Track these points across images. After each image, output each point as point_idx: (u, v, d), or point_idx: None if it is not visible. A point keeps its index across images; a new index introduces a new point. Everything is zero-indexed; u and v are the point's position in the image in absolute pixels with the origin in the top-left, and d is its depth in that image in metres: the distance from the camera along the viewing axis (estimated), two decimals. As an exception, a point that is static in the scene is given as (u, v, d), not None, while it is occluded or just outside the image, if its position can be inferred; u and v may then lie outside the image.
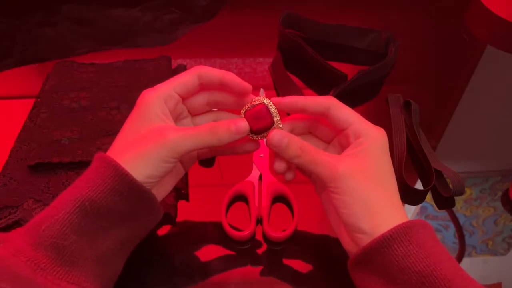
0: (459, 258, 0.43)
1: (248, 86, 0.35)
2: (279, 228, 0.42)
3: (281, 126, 0.35)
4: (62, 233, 0.29)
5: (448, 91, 0.61)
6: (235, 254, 0.40)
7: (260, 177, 0.46)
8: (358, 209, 0.31)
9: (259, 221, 0.42)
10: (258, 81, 0.60)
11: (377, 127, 0.34)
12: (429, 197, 0.46)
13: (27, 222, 0.30)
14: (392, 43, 0.60)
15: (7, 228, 0.41)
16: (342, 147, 0.35)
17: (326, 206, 0.37)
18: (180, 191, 0.45)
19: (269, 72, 0.60)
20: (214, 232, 0.42)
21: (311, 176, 0.38)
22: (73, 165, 0.45)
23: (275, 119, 0.35)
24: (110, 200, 0.30)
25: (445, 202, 0.46)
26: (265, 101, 0.35)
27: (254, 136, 0.35)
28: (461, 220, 0.46)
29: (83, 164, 0.45)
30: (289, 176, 0.37)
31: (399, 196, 0.34)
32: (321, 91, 0.57)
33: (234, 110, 0.38)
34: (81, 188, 0.30)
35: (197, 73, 0.35)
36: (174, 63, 0.58)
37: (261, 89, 0.54)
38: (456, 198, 0.46)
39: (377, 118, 0.53)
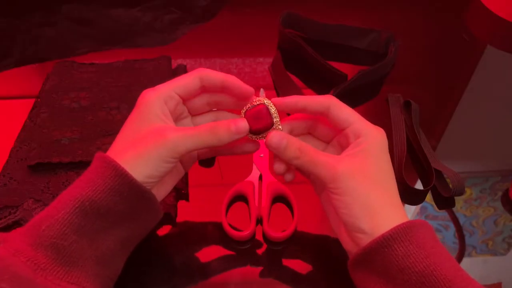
0: (459, 258, 0.43)
1: (249, 89, 0.35)
2: (279, 228, 0.42)
3: (280, 127, 0.35)
4: (62, 233, 0.29)
5: (448, 91, 0.61)
6: (235, 254, 0.40)
7: (260, 177, 0.46)
8: (358, 209, 0.31)
9: (259, 221, 0.42)
10: (258, 81, 0.60)
11: (376, 127, 0.34)
12: (429, 197, 0.46)
13: (27, 222, 0.30)
14: (392, 43, 0.60)
15: (7, 228, 0.41)
16: (342, 147, 0.35)
17: (325, 207, 0.37)
18: (180, 191, 0.45)
19: (269, 72, 0.60)
20: (214, 232, 0.42)
21: (310, 176, 0.38)
22: (73, 165, 0.45)
23: (274, 120, 0.35)
24: (110, 200, 0.30)
25: (445, 202, 0.46)
26: (265, 101, 0.35)
27: (253, 136, 0.36)
28: (461, 220, 0.46)
29: (83, 164, 0.45)
30: (289, 177, 0.37)
31: (399, 196, 0.34)
32: (321, 91, 0.57)
33: (234, 110, 0.38)
34: (81, 188, 0.30)
35: (198, 75, 0.35)
36: (174, 63, 0.58)
37: (261, 89, 0.54)
38: (456, 198, 0.46)
39: (377, 118, 0.53)
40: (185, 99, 0.36)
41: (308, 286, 0.39)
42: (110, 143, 0.34)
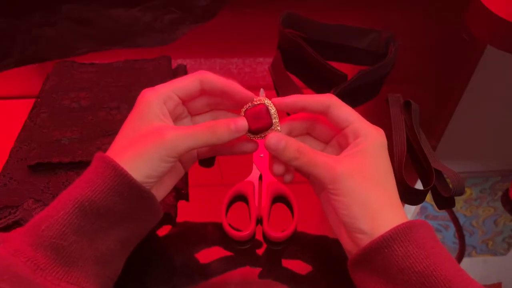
0: (459, 258, 0.43)
1: (249, 94, 0.35)
2: (279, 228, 0.42)
3: (279, 128, 0.35)
4: (61, 233, 0.29)
5: (448, 91, 0.61)
6: (235, 254, 0.40)
7: (260, 177, 0.46)
8: (357, 210, 0.31)
9: (259, 221, 0.42)
10: (258, 81, 0.60)
11: (376, 127, 0.34)
12: (429, 197, 0.46)
13: (27, 222, 0.30)
14: (392, 43, 0.60)
15: (7, 228, 0.41)
16: (341, 147, 0.35)
17: (325, 207, 0.37)
18: (180, 191, 0.45)
19: (269, 72, 0.60)
20: (214, 232, 0.42)
21: (309, 177, 0.38)
22: (73, 165, 0.45)
23: (274, 120, 0.35)
24: (110, 200, 0.30)
25: (445, 202, 0.46)
26: (266, 101, 0.35)
27: (252, 136, 0.35)
28: (461, 220, 0.46)
29: (83, 164, 0.45)
30: (288, 178, 0.37)
31: (398, 197, 0.33)
32: (321, 91, 0.56)
33: (234, 110, 0.38)
34: (80, 188, 0.30)
35: (199, 78, 0.35)
36: (174, 63, 0.58)
37: (261, 89, 0.54)
38: (456, 198, 0.46)
39: (377, 118, 0.53)
40: (184, 101, 0.36)
41: (308, 286, 0.39)
42: (110, 143, 0.34)
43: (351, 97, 0.55)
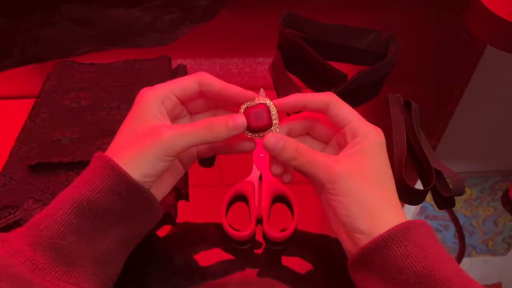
0: (459, 258, 0.43)
1: (249, 96, 0.35)
2: (279, 228, 0.42)
3: (277, 130, 0.35)
4: (60, 233, 0.29)
5: (448, 91, 0.61)
6: (235, 254, 0.40)
7: (260, 177, 0.46)
8: (356, 210, 0.31)
9: (259, 221, 0.42)
10: (258, 81, 0.60)
11: (374, 126, 0.34)
12: (429, 197, 0.46)
13: (27, 222, 0.30)
14: (392, 43, 0.60)
15: (7, 228, 0.41)
16: (340, 147, 0.35)
17: (326, 207, 0.37)
18: (180, 191, 0.45)
19: (269, 72, 0.60)
20: (214, 232, 0.42)
21: (309, 177, 0.38)
22: (73, 165, 0.45)
23: (274, 122, 0.35)
24: (108, 200, 0.30)
25: (445, 202, 0.46)
26: (267, 102, 0.35)
27: (250, 134, 0.35)
28: (461, 220, 0.46)
29: (83, 164, 0.45)
30: (287, 178, 0.37)
31: (397, 197, 0.33)
32: (321, 91, 0.56)
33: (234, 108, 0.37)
34: (79, 188, 0.30)
35: (197, 79, 0.35)
36: (174, 63, 0.58)
37: (261, 89, 0.53)
38: (456, 198, 0.46)
39: (377, 118, 0.53)
40: (182, 101, 0.36)
41: (308, 286, 0.39)
42: (110, 143, 0.34)
43: (351, 97, 0.55)
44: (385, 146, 0.34)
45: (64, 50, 0.62)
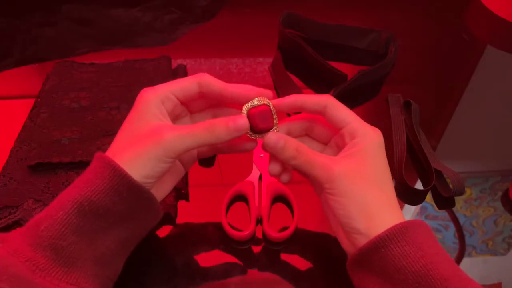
0: (459, 258, 0.43)
1: (251, 95, 0.35)
2: (279, 228, 0.42)
3: (278, 130, 0.35)
4: (60, 234, 0.29)
5: (448, 91, 0.61)
6: (235, 254, 0.40)
7: (260, 177, 0.46)
8: (354, 210, 0.32)
9: (259, 221, 0.42)
10: (258, 81, 0.60)
11: (373, 127, 0.34)
12: (429, 197, 0.46)
13: (27, 222, 0.30)
14: (392, 43, 0.60)
15: (7, 228, 0.41)
16: (339, 148, 0.35)
17: (325, 207, 0.37)
18: (180, 191, 0.45)
19: (269, 72, 0.60)
20: (214, 232, 0.42)
21: (308, 177, 0.38)
22: (73, 165, 0.45)
23: (274, 121, 0.35)
24: (109, 200, 0.30)
25: (445, 202, 0.46)
26: (266, 102, 0.35)
27: (253, 135, 0.35)
28: (461, 220, 0.46)
29: (83, 164, 0.45)
30: (285, 178, 0.37)
31: (395, 197, 0.33)
32: (321, 91, 0.56)
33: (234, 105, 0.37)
34: (79, 189, 0.30)
35: (197, 80, 0.34)
36: (174, 63, 0.58)
37: (261, 89, 0.53)
38: (456, 198, 0.46)
39: (377, 118, 0.53)
40: (182, 102, 0.36)
41: (308, 286, 0.39)
42: (110, 143, 0.34)
43: (351, 97, 0.55)
44: (383, 147, 0.34)
45: (64, 50, 0.62)
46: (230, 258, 0.40)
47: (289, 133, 0.37)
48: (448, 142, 0.53)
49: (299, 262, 0.40)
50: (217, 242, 0.41)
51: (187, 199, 0.45)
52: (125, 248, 0.33)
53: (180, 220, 0.43)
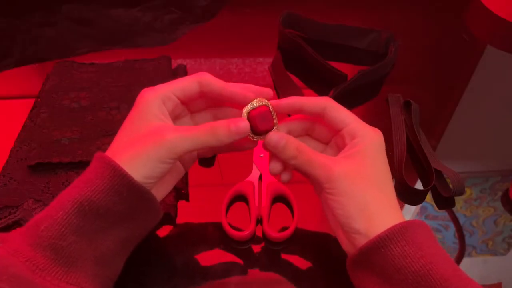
0: (459, 258, 0.43)
1: (249, 98, 0.35)
2: (279, 228, 0.42)
3: (278, 129, 0.35)
4: (61, 234, 0.29)
5: (448, 91, 0.61)
6: (235, 254, 0.40)
7: (260, 177, 0.46)
8: (353, 210, 0.32)
9: (259, 221, 0.42)
10: (258, 81, 0.60)
11: (373, 128, 0.34)
12: (429, 197, 0.46)
13: (27, 222, 0.30)
14: (392, 43, 0.60)
15: (7, 228, 0.41)
16: (339, 148, 0.35)
17: (325, 207, 0.37)
18: (180, 191, 0.45)
19: (269, 72, 0.60)
20: (214, 232, 0.42)
21: (309, 177, 0.38)
22: (73, 165, 0.45)
23: (274, 121, 0.35)
24: (109, 200, 0.30)
25: (445, 202, 0.46)
26: (265, 102, 0.35)
27: (255, 137, 0.35)
28: (461, 220, 0.46)
29: (83, 164, 0.45)
30: (285, 177, 0.37)
31: (395, 198, 0.33)
32: (321, 91, 0.57)
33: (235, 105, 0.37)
34: (79, 188, 0.30)
35: (198, 80, 0.34)
36: (174, 63, 0.58)
37: (261, 89, 0.53)
38: (456, 198, 0.46)
39: (377, 118, 0.53)
40: (183, 101, 0.36)
41: (308, 286, 0.39)
42: (110, 143, 0.34)
43: (351, 97, 0.55)
44: (384, 147, 0.34)
45: (64, 50, 0.62)
46: (230, 258, 0.40)
47: (289, 133, 0.37)
48: (448, 142, 0.53)
49: (299, 262, 0.40)
50: (217, 242, 0.41)
51: (187, 199, 0.45)
52: (125, 248, 0.33)
53: (180, 220, 0.43)
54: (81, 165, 0.45)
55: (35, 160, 0.45)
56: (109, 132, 0.48)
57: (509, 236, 0.45)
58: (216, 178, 0.48)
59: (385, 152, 0.34)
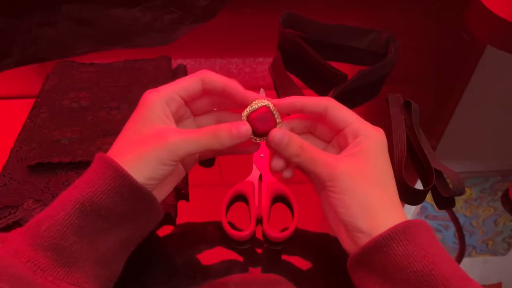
0: (459, 258, 0.43)
1: (250, 96, 0.35)
2: (279, 228, 0.42)
3: (282, 126, 0.35)
4: (62, 234, 0.29)
5: (448, 91, 0.61)
6: (235, 254, 0.40)
7: (260, 177, 0.46)
8: (356, 209, 0.32)
9: (259, 221, 0.42)
10: (258, 81, 0.60)
11: (375, 127, 0.34)
12: (429, 197, 0.46)
13: (27, 222, 0.30)
14: (392, 43, 0.60)
15: (7, 228, 0.41)
16: (341, 147, 0.35)
17: (325, 206, 0.37)
18: (180, 191, 0.45)
19: (269, 72, 0.60)
20: (214, 232, 0.42)
21: (310, 175, 0.38)
22: (73, 165, 0.45)
23: (277, 120, 0.35)
24: (111, 201, 0.30)
25: (445, 202, 0.46)
26: (266, 102, 0.35)
27: (257, 139, 0.35)
28: (461, 220, 0.46)
29: (83, 164, 0.45)
30: (287, 174, 0.37)
31: (398, 197, 0.34)
32: (321, 91, 0.57)
33: (238, 109, 0.37)
34: (81, 189, 0.30)
35: (200, 77, 0.35)
36: (174, 63, 0.58)
37: (261, 89, 0.54)
38: (456, 198, 0.46)
39: (377, 118, 0.53)
40: (187, 101, 0.36)
41: (308, 286, 0.39)
42: (110, 143, 0.34)
43: (351, 97, 0.55)
44: (386, 147, 0.34)
45: (64, 50, 0.62)
46: (230, 258, 0.40)
47: (292, 131, 0.37)
48: (448, 142, 0.53)
49: (299, 262, 0.40)
50: (217, 242, 0.41)
51: (187, 199, 0.45)
52: (126, 249, 0.33)
53: (180, 220, 0.43)
54: (81, 165, 0.45)
55: (35, 160, 0.45)
56: (109, 132, 0.48)
57: (509, 236, 0.45)
58: (216, 178, 0.48)
59: (387, 151, 0.34)
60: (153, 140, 0.32)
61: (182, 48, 0.64)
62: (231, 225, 0.41)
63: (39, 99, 0.53)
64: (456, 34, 0.71)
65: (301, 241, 0.42)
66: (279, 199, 0.45)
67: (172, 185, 0.37)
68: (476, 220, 0.46)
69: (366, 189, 0.32)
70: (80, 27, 0.66)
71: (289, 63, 0.59)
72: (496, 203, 0.47)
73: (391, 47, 0.60)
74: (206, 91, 0.35)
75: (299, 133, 0.38)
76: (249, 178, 0.45)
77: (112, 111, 0.50)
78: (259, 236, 0.42)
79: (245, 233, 0.40)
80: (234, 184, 0.44)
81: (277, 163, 0.36)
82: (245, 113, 0.35)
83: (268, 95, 0.44)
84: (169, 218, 0.42)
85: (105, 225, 0.31)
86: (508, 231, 0.45)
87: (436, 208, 0.46)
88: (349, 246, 0.34)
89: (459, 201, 0.47)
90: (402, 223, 0.30)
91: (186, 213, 0.43)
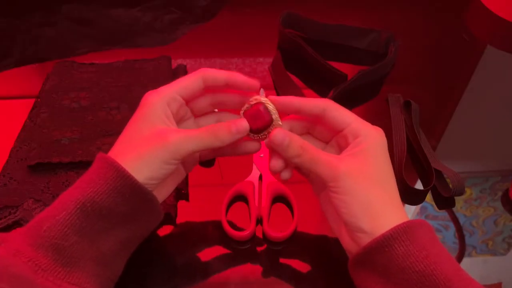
0: (459, 258, 0.43)
1: (255, 83, 0.35)
2: (279, 228, 0.42)
3: (280, 123, 0.35)
4: (63, 234, 0.29)
5: (448, 91, 0.61)
6: (235, 254, 0.40)
7: (260, 177, 0.46)
8: (357, 209, 0.32)
9: (259, 221, 0.42)
10: (258, 81, 0.60)
11: (375, 127, 0.34)
12: (429, 197, 0.46)
13: (27, 222, 0.30)
14: (392, 43, 0.60)
15: (7, 228, 0.41)
16: (340, 148, 0.35)
17: (324, 207, 0.37)
18: (180, 191, 0.45)
19: (269, 72, 0.60)
20: (214, 232, 0.42)
21: (309, 176, 0.38)
22: (73, 165, 0.45)
23: (273, 116, 0.35)
24: (112, 201, 0.30)
25: (445, 202, 0.46)
26: (262, 99, 0.35)
27: (255, 136, 0.36)
28: (461, 220, 0.46)
29: (83, 164, 0.45)
30: (286, 175, 0.37)
31: (399, 197, 0.34)
32: (321, 91, 0.57)
33: (237, 111, 0.38)
34: (82, 189, 0.30)
35: (201, 75, 0.35)
36: (174, 63, 0.58)
37: (261, 89, 0.54)
38: (456, 198, 0.46)
39: (377, 118, 0.53)
40: (188, 101, 0.36)
41: (308, 286, 0.39)
42: (110, 143, 0.34)
43: (351, 97, 0.55)
44: (386, 146, 0.34)
45: (64, 50, 0.62)
46: (230, 258, 0.40)
47: (291, 131, 0.37)
48: (448, 142, 0.53)
49: (299, 262, 0.40)
50: (217, 242, 0.41)
51: (187, 199, 0.45)
52: (127, 249, 0.34)
53: (180, 220, 0.43)
54: (81, 165, 0.45)
55: (35, 160, 0.45)
56: (109, 132, 0.48)
57: (509, 236, 0.45)
58: (216, 178, 0.48)
59: (387, 151, 0.34)
60: (153, 140, 0.32)
61: (182, 48, 0.64)
62: (231, 225, 0.41)
63: (39, 99, 0.53)
64: (456, 34, 0.71)
65: (301, 241, 0.42)
66: (279, 199, 0.45)
67: (172, 186, 0.37)
68: (476, 220, 0.46)
69: (367, 189, 0.32)
70: (80, 27, 0.66)
71: (289, 63, 0.59)
72: (496, 203, 0.47)
73: (391, 47, 0.60)
74: (208, 89, 0.35)
75: (298, 134, 0.38)
76: (249, 178, 0.45)
77: (112, 111, 0.50)
78: (259, 236, 0.42)
79: (245, 233, 0.40)
80: (234, 184, 0.44)
81: (277, 163, 0.36)
82: (242, 111, 0.35)
83: (268, 95, 0.44)
84: (169, 218, 0.42)
85: (106, 225, 0.31)
86: (508, 231, 0.45)
87: (436, 208, 0.46)
88: (350, 246, 0.34)
89: (459, 201, 0.47)
90: (403, 223, 0.30)
91: (186, 213, 0.43)
